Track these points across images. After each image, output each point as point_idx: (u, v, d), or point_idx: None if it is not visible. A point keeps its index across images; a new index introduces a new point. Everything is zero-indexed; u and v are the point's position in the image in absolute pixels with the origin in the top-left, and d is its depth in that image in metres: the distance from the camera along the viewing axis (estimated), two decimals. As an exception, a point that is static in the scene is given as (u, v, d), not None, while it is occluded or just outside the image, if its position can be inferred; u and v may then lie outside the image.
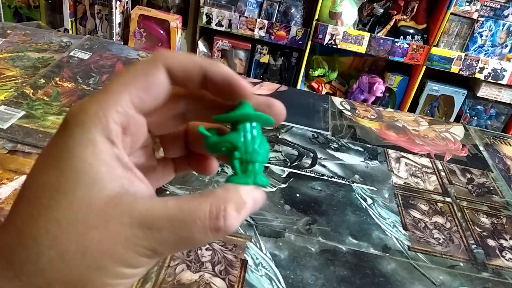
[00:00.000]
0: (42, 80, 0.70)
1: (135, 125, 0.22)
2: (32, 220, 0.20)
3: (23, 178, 0.51)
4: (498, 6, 1.84)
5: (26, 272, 0.19)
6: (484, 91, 2.00)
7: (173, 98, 0.24)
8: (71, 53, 0.80)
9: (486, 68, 1.92)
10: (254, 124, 0.23)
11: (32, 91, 0.67)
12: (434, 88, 2.04)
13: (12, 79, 0.69)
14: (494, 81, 1.95)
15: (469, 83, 2.08)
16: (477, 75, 1.94)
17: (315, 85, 2.12)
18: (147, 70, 0.22)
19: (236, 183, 0.22)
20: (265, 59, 2.09)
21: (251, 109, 0.23)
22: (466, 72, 1.94)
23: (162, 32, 2.01)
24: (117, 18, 1.96)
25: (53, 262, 0.19)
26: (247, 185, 0.22)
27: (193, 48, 2.17)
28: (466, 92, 2.02)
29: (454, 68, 1.93)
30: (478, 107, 2.08)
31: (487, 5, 1.84)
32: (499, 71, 1.92)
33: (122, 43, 0.88)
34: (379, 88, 2.00)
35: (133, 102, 0.22)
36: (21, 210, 0.20)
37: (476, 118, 2.10)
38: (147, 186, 0.23)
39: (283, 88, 0.87)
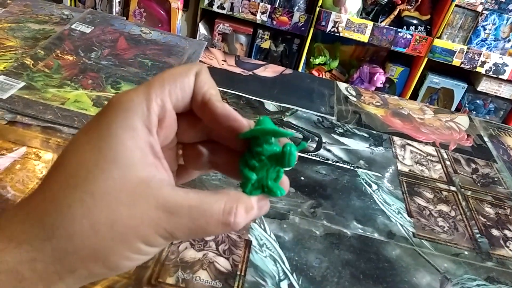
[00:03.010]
0: (43, 52, 0.68)
1: (169, 119, 0.25)
2: (69, 189, 0.21)
3: (22, 149, 0.50)
4: (503, 0, 1.82)
5: (57, 235, 0.21)
6: (484, 86, 1.99)
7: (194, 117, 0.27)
8: (73, 26, 0.78)
9: (488, 62, 1.91)
10: (269, 139, 0.27)
11: (32, 62, 0.65)
12: (435, 80, 2.03)
13: (12, 49, 0.67)
14: (494, 76, 1.94)
15: (469, 77, 2.07)
16: (478, 69, 1.93)
17: (315, 73, 2.10)
18: (185, 73, 0.25)
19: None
20: (266, 44, 2.07)
21: (270, 125, 0.27)
22: (467, 65, 1.93)
23: (162, 12, 1.98)
24: (117, -4, 1.92)
25: (83, 230, 0.21)
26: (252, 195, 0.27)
27: (193, 31, 2.13)
28: (466, 85, 2.02)
29: (456, 61, 1.92)
30: (478, 101, 2.07)
31: (492, -2, 1.83)
32: (500, 65, 1.91)
33: (125, 18, 0.86)
34: (380, 78, 1.99)
35: (170, 98, 0.25)
36: (58, 179, 0.22)
37: (474, 112, 2.09)
38: (170, 176, 0.25)
39: (288, 71, 0.85)
